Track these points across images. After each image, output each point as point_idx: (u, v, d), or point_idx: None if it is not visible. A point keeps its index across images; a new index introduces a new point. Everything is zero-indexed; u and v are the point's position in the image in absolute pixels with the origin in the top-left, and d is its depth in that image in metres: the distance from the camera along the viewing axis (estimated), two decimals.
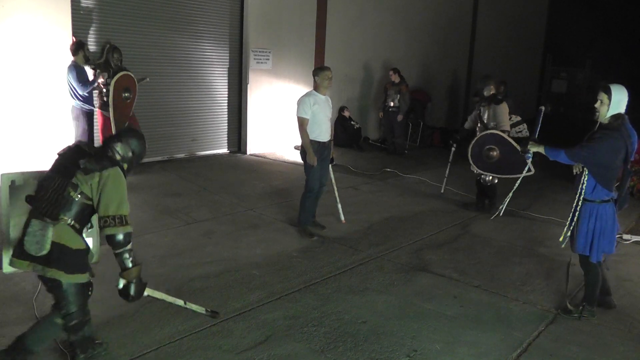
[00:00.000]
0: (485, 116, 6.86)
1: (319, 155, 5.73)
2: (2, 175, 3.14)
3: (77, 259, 2.96)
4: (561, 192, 8.63)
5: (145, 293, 3.19)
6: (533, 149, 4.36)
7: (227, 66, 9.73)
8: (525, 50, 18.84)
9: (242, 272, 4.75)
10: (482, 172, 6.89)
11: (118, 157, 3.14)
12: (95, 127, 7.28)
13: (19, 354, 3.01)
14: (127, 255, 2.98)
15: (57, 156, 3.17)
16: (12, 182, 3.14)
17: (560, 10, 19.95)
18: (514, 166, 6.54)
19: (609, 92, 3.92)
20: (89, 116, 6.86)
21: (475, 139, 6.90)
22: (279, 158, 9.68)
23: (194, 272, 4.68)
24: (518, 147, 6.34)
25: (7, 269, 3.20)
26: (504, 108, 6.76)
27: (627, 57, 18.92)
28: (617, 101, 3.92)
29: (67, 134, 7.12)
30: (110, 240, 2.95)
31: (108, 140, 3.20)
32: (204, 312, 3.76)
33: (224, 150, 10.01)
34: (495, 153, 6.68)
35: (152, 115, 8.68)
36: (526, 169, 6.27)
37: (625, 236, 6.27)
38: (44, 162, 7.03)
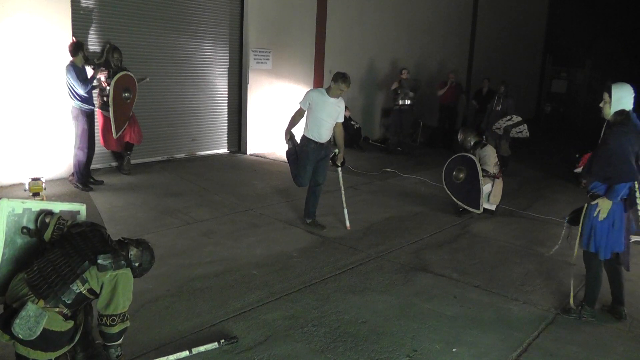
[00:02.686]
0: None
1: (316, 154, 5.80)
2: (1, 201, 2.93)
3: (61, 339, 2.83)
4: (561, 192, 8.64)
5: None
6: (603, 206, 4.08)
7: (227, 66, 9.72)
8: (525, 50, 18.85)
9: (242, 272, 4.75)
10: (445, 186, 7.03)
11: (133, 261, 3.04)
12: (95, 127, 7.28)
13: None
14: (114, 350, 2.96)
15: (67, 228, 3.00)
16: (12, 209, 2.95)
17: (560, 10, 19.95)
18: (468, 197, 6.75)
19: (609, 91, 3.98)
20: (88, 116, 6.85)
21: (459, 155, 7.06)
22: (279, 158, 9.67)
23: (194, 272, 4.68)
24: (482, 189, 6.63)
25: None
26: (489, 151, 7.04)
27: (627, 57, 18.89)
28: (617, 99, 3.95)
29: (67, 134, 7.12)
30: (106, 335, 2.92)
31: (128, 240, 3.10)
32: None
33: (224, 150, 10.01)
34: (462, 175, 6.83)
35: (152, 115, 8.68)
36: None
37: None
38: (44, 162, 7.06)
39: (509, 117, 9.84)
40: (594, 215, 4.04)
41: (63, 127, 7.17)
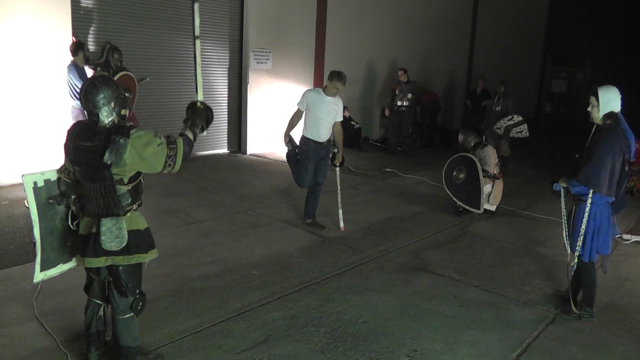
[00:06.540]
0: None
1: (316, 154, 5.81)
2: (23, 177, 2.96)
3: (148, 237, 3.11)
4: None
5: None
6: (562, 184, 4.27)
7: (227, 66, 9.72)
8: (525, 50, 18.84)
9: (242, 272, 4.75)
10: (445, 186, 7.03)
11: (116, 120, 2.94)
12: None
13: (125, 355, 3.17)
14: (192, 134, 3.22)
15: (74, 155, 2.96)
16: (35, 183, 2.98)
17: (560, 10, 19.96)
18: (469, 197, 6.74)
19: (596, 94, 3.99)
20: None
21: (459, 155, 7.06)
22: (279, 158, 9.67)
23: (194, 272, 4.68)
24: (483, 190, 6.62)
25: (37, 278, 3.09)
26: (489, 151, 7.04)
27: (627, 57, 18.91)
28: (605, 101, 3.96)
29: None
30: (188, 140, 3.17)
31: (91, 114, 2.93)
32: None
33: (224, 150, 10.01)
34: (462, 176, 6.83)
35: (152, 115, 8.67)
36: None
37: (625, 236, 6.27)
38: (44, 162, 7.05)
39: (510, 117, 9.85)
40: (584, 217, 4.05)
41: (63, 127, 7.15)
